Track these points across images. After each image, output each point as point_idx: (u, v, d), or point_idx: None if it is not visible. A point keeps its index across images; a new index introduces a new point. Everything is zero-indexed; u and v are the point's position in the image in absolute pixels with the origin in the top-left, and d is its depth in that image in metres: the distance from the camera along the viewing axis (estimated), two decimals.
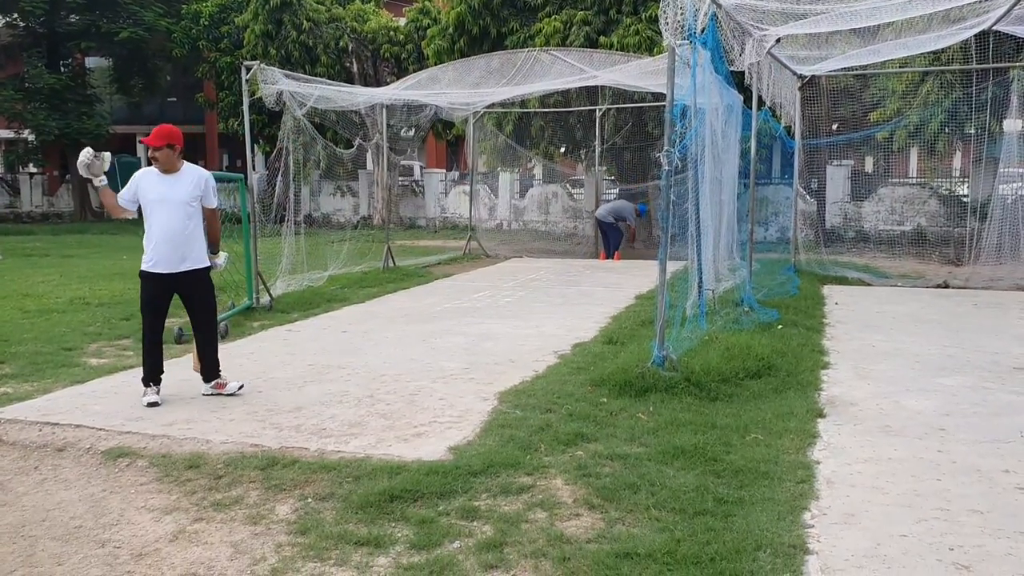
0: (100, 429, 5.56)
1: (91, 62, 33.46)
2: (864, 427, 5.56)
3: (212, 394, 6.39)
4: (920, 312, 10.45)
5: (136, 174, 6.27)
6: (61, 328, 9.40)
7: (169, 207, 6.10)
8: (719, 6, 7.83)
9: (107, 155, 6.19)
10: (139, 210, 6.25)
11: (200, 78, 31.32)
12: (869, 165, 22.08)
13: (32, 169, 34.15)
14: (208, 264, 6.38)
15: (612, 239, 17.63)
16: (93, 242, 21.81)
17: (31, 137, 30.45)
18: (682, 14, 6.63)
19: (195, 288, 6.28)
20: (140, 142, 7.28)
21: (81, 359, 7.87)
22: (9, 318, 10.05)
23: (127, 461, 5.06)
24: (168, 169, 6.18)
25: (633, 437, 5.30)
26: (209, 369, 6.43)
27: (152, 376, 6.23)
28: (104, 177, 6.15)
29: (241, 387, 6.47)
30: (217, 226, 6.58)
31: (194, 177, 6.25)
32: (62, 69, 30.86)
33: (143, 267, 6.18)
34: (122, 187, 6.31)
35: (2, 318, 10.04)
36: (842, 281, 13.16)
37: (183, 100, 37.46)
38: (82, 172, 6.08)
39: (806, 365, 7.23)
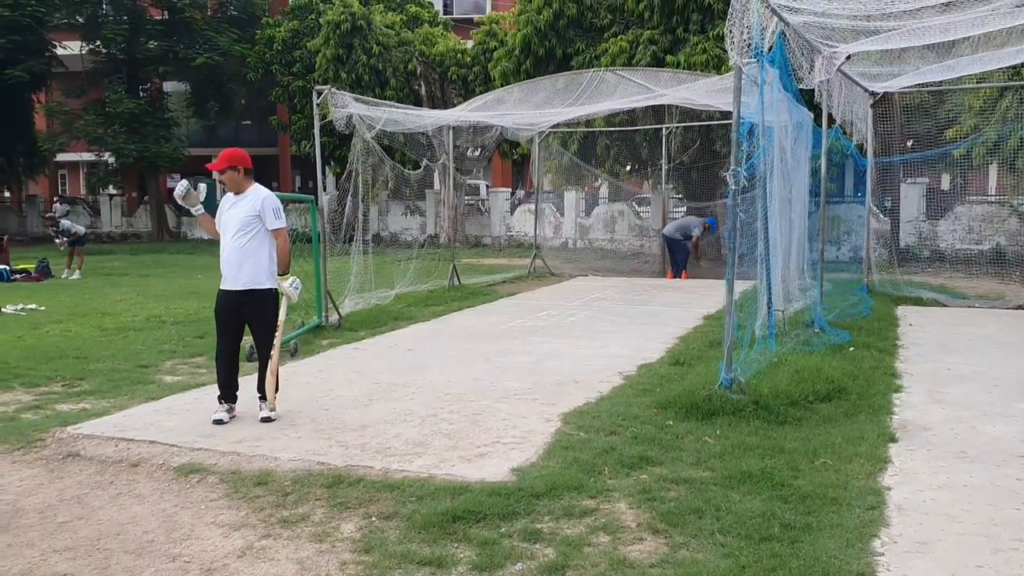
0: (173, 445, 5.70)
1: (169, 87, 34.55)
2: (938, 453, 5.40)
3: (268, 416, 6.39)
4: (999, 334, 10.11)
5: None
6: (137, 346, 9.68)
7: (230, 226, 6.30)
8: (787, 24, 7.74)
9: (203, 186, 6.36)
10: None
11: (273, 102, 32.10)
12: (945, 183, 21.50)
13: (112, 191, 35.35)
14: (269, 286, 6.36)
15: (679, 257, 17.42)
16: (169, 262, 22.46)
17: (111, 160, 31.52)
18: (748, 32, 6.56)
19: (253, 308, 6.35)
20: (206, 167, 7.51)
21: (156, 376, 8.09)
22: (89, 336, 10.39)
23: (198, 477, 5.18)
24: (235, 190, 6.38)
25: (699, 461, 5.23)
26: (260, 385, 6.51)
27: (224, 393, 6.36)
28: (201, 206, 6.34)
29: (269, 419, 6.31)
30: (284, 247, 6.46)
31: (253, 197, 6.37)
32: (141, 94, 31.94)
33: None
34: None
35: (82, 336, 10.38)
36: (917, 302, 12.81)
37: (257, 123, 38.42)
38: (180, 202, 6.30)
39: (878, 388, 7.05)
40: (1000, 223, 18.67)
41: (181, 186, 6.27)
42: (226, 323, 6.39)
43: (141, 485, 5.12)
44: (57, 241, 19.14)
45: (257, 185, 6.48)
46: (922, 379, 7.56)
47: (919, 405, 6.63)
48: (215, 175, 6.36)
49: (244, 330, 6.50)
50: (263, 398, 6.44)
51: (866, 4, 7.26)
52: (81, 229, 19.10)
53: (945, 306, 12.66)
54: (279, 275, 6.45)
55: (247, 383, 6.63)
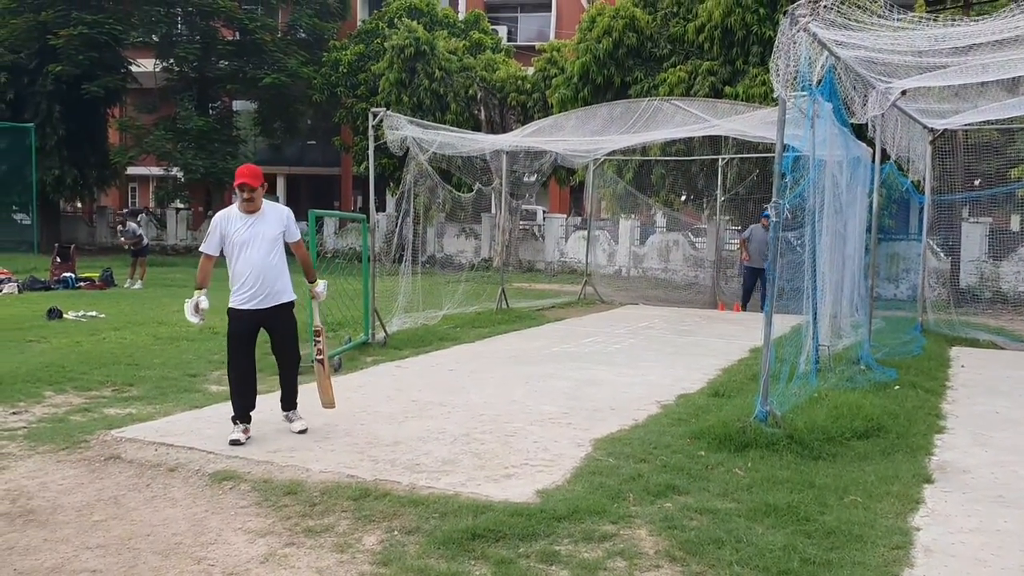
0: (210, 452, 5.85)
1: (237, 105, 35.46)
2: (974, 496, 5.28)
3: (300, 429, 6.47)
4: None
5: (215, 219, 6.34)
6: (188, 355, 9.93)
7: (258, 245, 6.25)
8: (838, 58, 7.71)
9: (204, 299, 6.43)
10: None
11: (337, 123, 32.73)
12: (1014, 223, 20.97)
13: (178, 205, 36.30)
14: (292, 298, 6.48)
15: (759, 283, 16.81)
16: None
17: (179, 175, 32.40)
18: (795, 65, 6.56)
19: (281, 322, 6.44)
20: (236, 185, 7.37)
21: (203, 385, 8.30)
22: (143, 343, 10.69)
23: (231, 484, 5.30)
24: (253, 209, 6.29)
25: (726, 492, 5.19)
26: (287, 400, 6.61)
27: (244, 414, 6.28)
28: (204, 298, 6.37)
29: (303, 431, 6.41)
30: (307, 256, 6.70)
31: (277, 214, 6.42)
32: (210, 111, 32.84)
33: (232, 305, 6.33)
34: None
35: (136, 343, 10.69)
36: (972, 343, 12.51)
37: (321, 143, 39.18)
38: (195, 318, 6.39)
39: (919, 428, 6.91)
40: None
41: (192, 309, 6.33)
42: (249, 342, 6.38)
43: (176, 489, 5.26)
44: (123, 240, 19.76)
45: (266, 200, 6.46)
46: (968, 421, 7.39)
47: (961, 447, 6.49)
48: (246, 192, 6.23)
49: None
50: (292, 409, 6.57)
51: (917, 40, 7.18)
52: (145, 239, 19.63)
53: (1003, 349, 12.34)
54: (310, 282, 6.65)
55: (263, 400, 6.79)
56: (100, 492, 5.19)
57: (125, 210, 29.94)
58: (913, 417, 7.22)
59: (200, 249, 6.32)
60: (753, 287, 16.63)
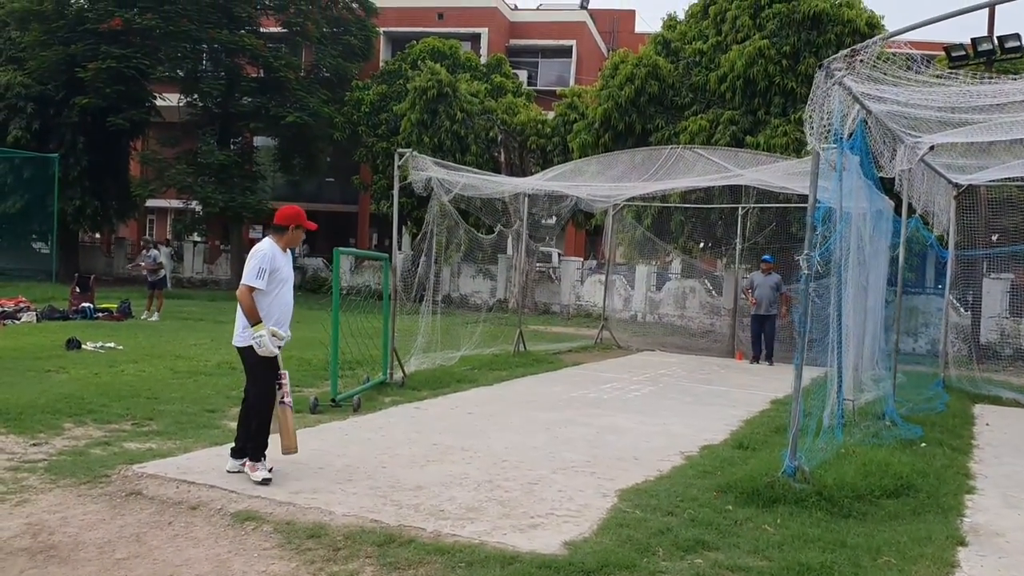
0: (232, 491, 5.78)
1: (258, 141, 35.72)
2: (1011, 561, 5.16)
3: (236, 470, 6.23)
4: None
5: (264, 255, 6.15)
6: (207, 390, 9.89)
7: (290, 284, 6.39)
8: (869, 112, 7.72)
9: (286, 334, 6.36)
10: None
11: (357, 161, 32.94)
12: None
13: (196, 237, 36.47)
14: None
15: (769, 332, 16.45)
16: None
17: (198, 208, 32.58)
18: (828, 118, 6.56)
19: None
20: (300, 226, 7.33)
21: (222, 421, 8.25)
22: (161, 377, 10.66)
23: (253, 525, 5.23)
24: (295, 246, 6.44)
25: (757, 549, 5.09)
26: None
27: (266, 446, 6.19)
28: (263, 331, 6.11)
29: (267, 480, 6.04)
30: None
31: (291, 255, 6.50)
32: (231, 146, 33.11)
33: (245, 343, 6.17)
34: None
35: (154, 377, 10.66)
36: (995, 401, 12.36)
37: (340, 181, 39.42)
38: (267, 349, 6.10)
39: (949, 488, 6.79)
40: None
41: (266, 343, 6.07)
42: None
43: (198, 528, 5.19)
44: (142, 264, 19.84)
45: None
46: (997, 482, 7.27)
47: (993, 509, 6.36)
48: (294, 231, 6.32)
49: None
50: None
51: (952, 96, 7.18)
52: (164, 270, 19.69)
53: None
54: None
55: (304, 435, 6.70)
56: (122, 529, 5.13)
57: (151, 237, 30.04)
58: (942, 476, 7.10)
59: (251, 284, 6.05)
60: (761, 335, 16.45)
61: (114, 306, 18.74)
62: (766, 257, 16.72)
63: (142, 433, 7.55)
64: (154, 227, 45.95)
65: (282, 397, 6.21)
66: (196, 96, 31.72)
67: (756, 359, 16.38)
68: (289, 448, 6.23)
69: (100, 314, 18.16)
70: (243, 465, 6.19)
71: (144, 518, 5.34)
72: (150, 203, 37.83)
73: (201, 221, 33.91)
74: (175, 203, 35.52)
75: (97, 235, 38.80)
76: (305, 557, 4.75)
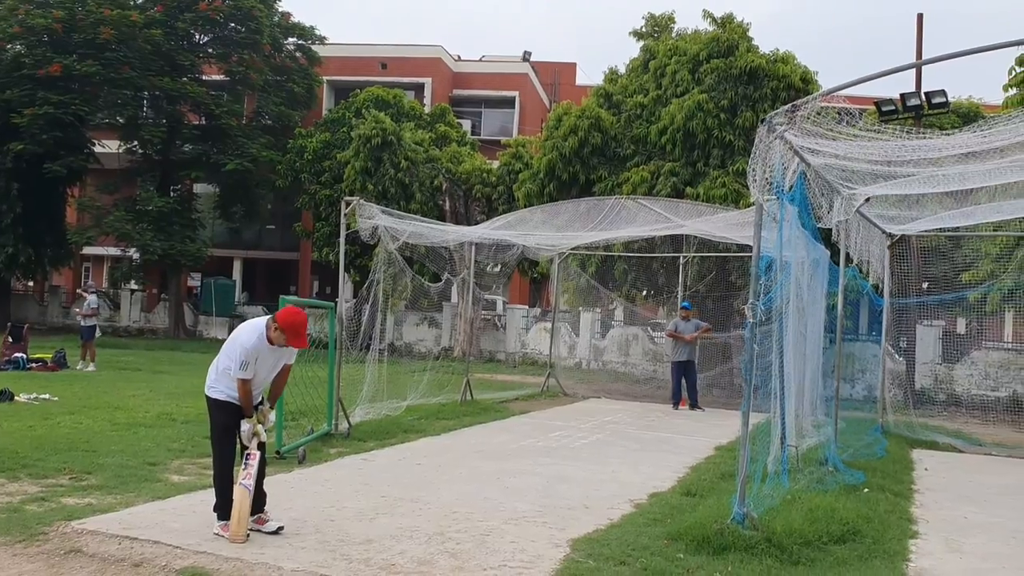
0: (177, 547, 5.63)
1: (198, 188, 35.36)
2: None
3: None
4: (1017, 484, 9.96)
5: (250, 346, 6.03)
6: (147, 443, 9.64)
7: (272, 375, 6.34)
8: (808, 164, 7.96)
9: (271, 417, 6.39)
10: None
11: (299, 208, 32.78)
12: (961, 326, 21.52)
13: (133, 286, 35.80)
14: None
15: (692, 379, 16.69)
16: (184, 359, 22.52)
17: (136, 255, 32.02)
18: (770, 171, 6.75)
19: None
20: (300, 334, 7.32)
21: (164, 475, 8.04)
22: (99, 429, 10.37)
23: None
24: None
25: None
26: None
27: (229, 508, 6.04)
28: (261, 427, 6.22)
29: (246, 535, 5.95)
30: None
31: (290, 351, 6.33)
32: (171, 193, 32.69)
33: (222, 398, 6.14)
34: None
35: (92, 429, 10.37)
36: (932, 446, 12.65)
37: (280, 228, 39.15)
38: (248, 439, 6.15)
39: (893, 533, 6.92)
40: (1017, 371, 18.58)
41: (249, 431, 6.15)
42: (234, 435, 6.23)
43: None
44: (78, 311, 19.37)
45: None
46: (939, 526, 7.42)
47: (936, 553, 6.49)
48: (292, 338, 6.10)
49: None
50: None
51: (887, 149, 7.46)
52: (93, 321, 19.17)
53: (961, 452, 12.49)
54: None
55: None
56: None
57: (90, 283, 29.33)
58: (886, 522, 7.23)
59: (240, 376, 6.02)
60: (682, 381, 16.58)
61: (48, 356, 18.24)
62: (685, 304, 17.06)
63: (80, 488, 7.32)
64: (90, 274, 44.97)
65: (243, 479, 6.02)
66: (136, 143, 31.38)
67: (676, 405, 16.43)
68: (235, 538, 5.84)
69: (33, 364, 17.65)
70: (255, 521, 6.11)
71: None
72: (86, 250, 37.08)
73: (139, 269, 33.25)
74: (112, 250, 34.81)
75: (30, 283, 37.80)
76: None
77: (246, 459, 6.12)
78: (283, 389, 6.79)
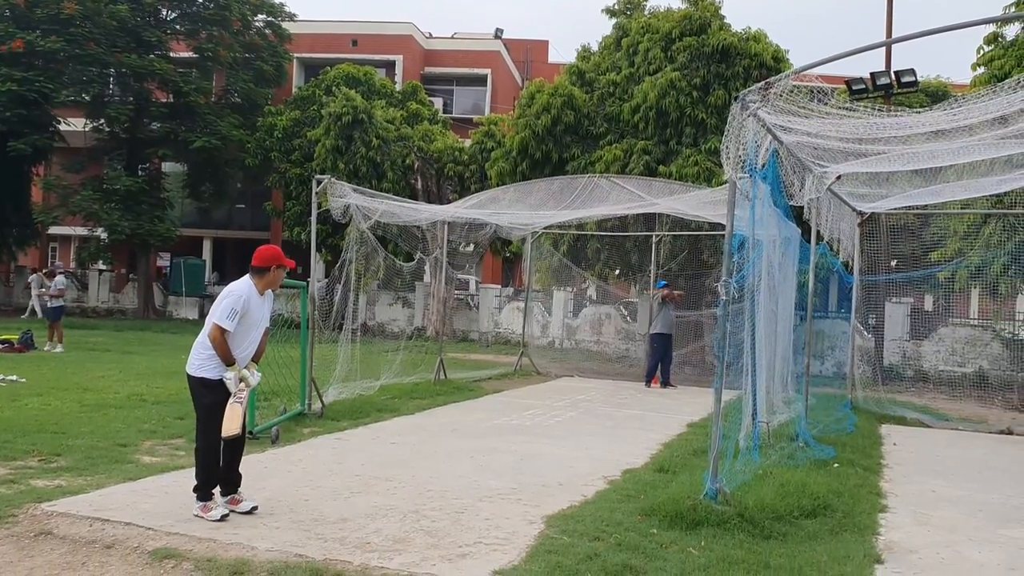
0: (149, 528, 5.59)
1: (166, 167, 34.88)
2: None
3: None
4: (983, 458, 10.13)
5: (239, 297, 6.00)
6: (117, 424, 9.55)
7: (261, 327, 6.24)
8: (780, 143, 7.99)
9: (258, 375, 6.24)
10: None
11: (269, 187, 32.47)
12: (929, 303, 21.79)
13: (101, 266, 35.34)
14: None
15: (668, 356, 16.75)
16: (153, 340, 22.31)
17: (104, 235, 31.59)
18: (743, 149, 6.76)
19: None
20: (283, 266, 7.22)
21: (135, 456, 7.96)
22: (68, 411, 10.25)
23: (172, 563, 5.06)
24: (275, 288, 6.34)
25: (683, 572, 5.16)
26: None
27: (213, 487, 6.06)
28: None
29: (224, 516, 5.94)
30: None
31: (269, 297, 6.37)
32: (139, 173, 32.24)
33: (211, 376, 6.02)
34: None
35: (61, 411, 10.25)
36: (900, 421, 12.83)
37: (251, 207, 38.78)
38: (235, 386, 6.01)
39: (863, 507, 7.01)
40: (983, 347, 18.86)
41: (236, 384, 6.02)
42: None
43: (114, 568, 5.00)
44: (44, 292, 18.98)
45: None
46: (907, 500, 7.53)
47: (905, 527, 6.59)
48: (276, 270, 6.19)
49: None
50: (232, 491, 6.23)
51: (858, 127, 7.50)
52: (61, 301, 18.91)
53: (929, 427, 12.68)
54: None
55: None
56: (32, 572, 4.90)
57: (58, 263, 28.92)
58: (856, 496, 7.33)
59: (220, 324, 5.88)
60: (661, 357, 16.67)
61: (15, 337, 17.98)
62: (661, 283, 17.02)
63: (50, 470, 7.24)
64: (56, 255, 44.35)
65: (236, 399, 6.00)
66: (102, 121, 30.86)
67: (649, 383, 16.48)
68: (228, 430, 5.88)
69: (0, 345, 17.39)
70: (229, 501, 6.07)
71: (55, 559, 5.11)
72: (53, 230, 36.55)
73: (107, 249, 32.81)
74: (80, 230, 34.34)
75: None
76: None
77: (235, 396, 5.98)
78: (265, 348, 6.51)
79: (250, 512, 6.07)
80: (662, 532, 5.97)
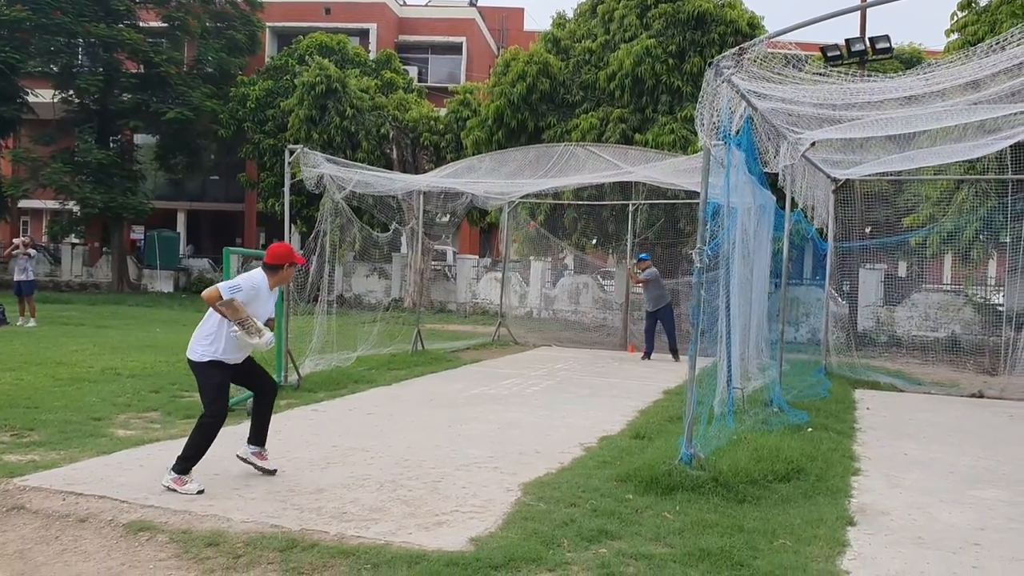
0: (123, 501, 5.56)
1: (138, 139, 34.40)
2: (896, 538, 5.42)
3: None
4: (954, 421, 10.27)
5: (255, 281, 6.08)
6: (91, 398, 9.47)
7: (265, 319, 6.22)
8: (755, 109, 7.98)
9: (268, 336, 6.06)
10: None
11: (243, 159, 32.13)
12: (902, 269, 21.98)
13: (74, 240, 34.90)
14: None
15: (669, 327, 16.25)
16: (128, 314, 22.12)
17: (76, 209, 31.18)
18: (718, 116, 6.75)
19: (250, 361, 6.44)
20: (294, 264, 7.16)
21: (109, 430, 7.91)
22: (41, 385, 10.16)
23: (148, 535, 5.04)
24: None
25: (658, 536, 5.20)
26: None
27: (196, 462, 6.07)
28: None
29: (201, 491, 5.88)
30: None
31: (277, 292, 6.48)
32: (111, 145, 31.77)
33: (214, 357, 6.01)
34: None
35: (34, 385, 10.15)
36: (874, 386, 12.98)
37: (225, 179, 38.38)
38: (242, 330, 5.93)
39: (836, 471, 7.09)
40: (955, 312, 19.07)
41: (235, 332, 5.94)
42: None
43: (88, 541, 4.97)
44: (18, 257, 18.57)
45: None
46: (879, 463, 7.63)
47: (877, 489, 6.67)
48: (289, 269, 6.31)
49: None
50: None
51: (832, 92, 7.50)
52: (31, 275, 18.62)
53: (902, 391, 12.83)
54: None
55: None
56: (3, 547, 4.86)
57: (27, 237, 28.51)
58: (829, 460, 7.41)
59: (221, 291, 5.80)
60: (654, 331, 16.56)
61: None
62: (643, 256, 16.78)
63: (22, 444, 7.17)
64: (28, 229, 43.78)
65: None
66: (72, 92, 30.34)
67: (648, 355, 16.37)
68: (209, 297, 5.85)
69: None
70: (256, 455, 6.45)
71: (28, 533, 5.08)
72: (23, 204, 35.98)
73: (79, 222, 32.40)
74: (51, 204, 33.83)
75: None
76: (204, 566, 4.61)
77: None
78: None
79: (272, 472, 6.39)
80: (637, 497, 6.01)
